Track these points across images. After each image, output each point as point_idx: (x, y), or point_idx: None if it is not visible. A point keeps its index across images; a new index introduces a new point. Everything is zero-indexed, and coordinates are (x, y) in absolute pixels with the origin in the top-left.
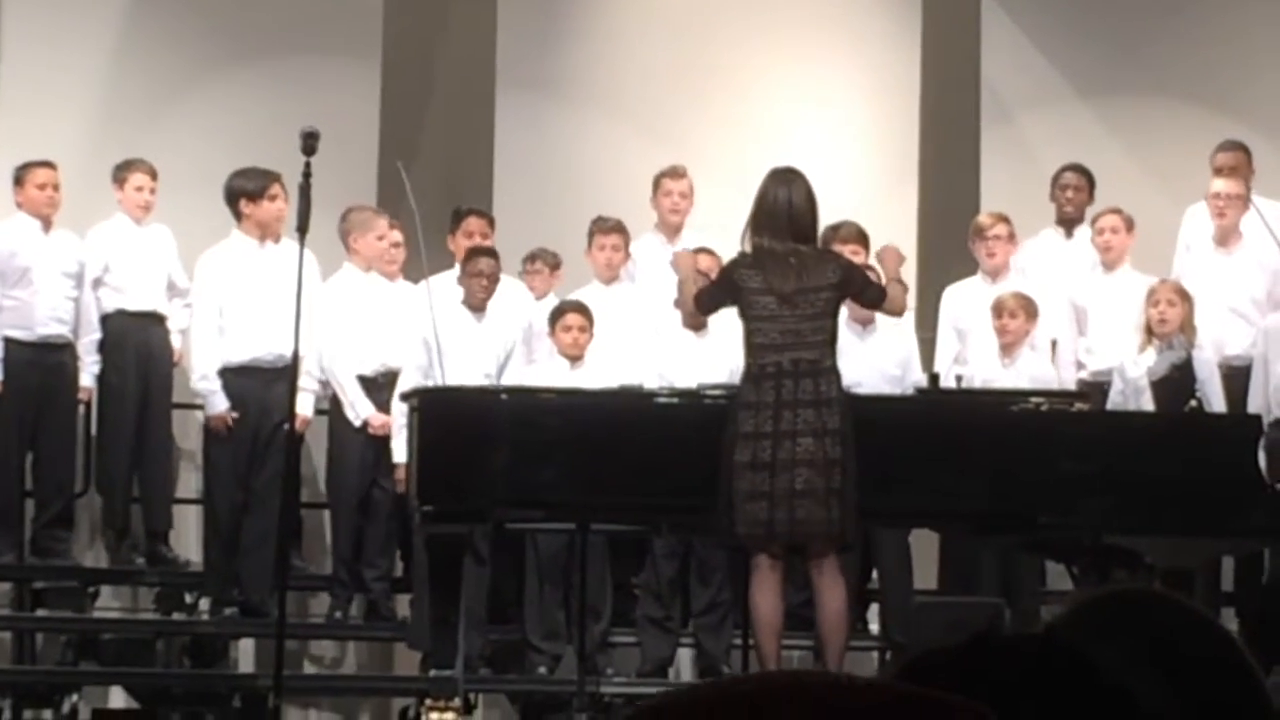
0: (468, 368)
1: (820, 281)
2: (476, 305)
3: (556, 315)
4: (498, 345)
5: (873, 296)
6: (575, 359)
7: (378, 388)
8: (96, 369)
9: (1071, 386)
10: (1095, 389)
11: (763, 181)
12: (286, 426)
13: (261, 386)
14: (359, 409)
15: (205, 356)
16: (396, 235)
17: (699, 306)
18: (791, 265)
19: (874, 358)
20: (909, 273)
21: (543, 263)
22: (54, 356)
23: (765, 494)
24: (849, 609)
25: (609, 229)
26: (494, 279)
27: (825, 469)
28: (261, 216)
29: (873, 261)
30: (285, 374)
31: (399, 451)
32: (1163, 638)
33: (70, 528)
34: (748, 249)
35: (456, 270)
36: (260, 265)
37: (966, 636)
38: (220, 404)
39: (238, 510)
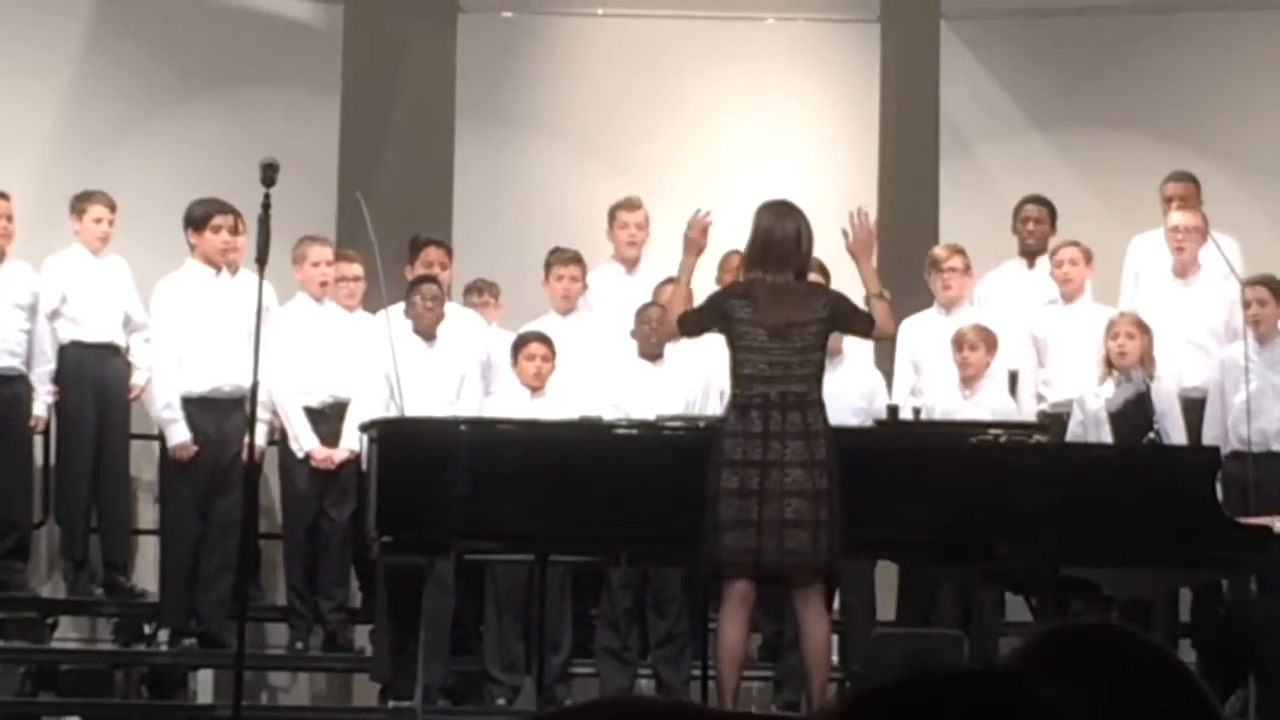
0: (424, 396)
1: (810, 315)
2: (427, 332)
3: (519, 345)
4: (452, 372)
5: (863, 327)
6: (537, 389)
7: (325, 419)
8: (50, 399)
9: (1031, 418)
10: (1055, 420)
11: (762, 213)
12: (245, 457)
13: (220, 417)
14: (303, 441)
15: (168, 386)
16: (355, 269)
17: (682, 327)
18: (786, 299)
19: (840, 389)
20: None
21: (489, 294)
22: (7, 389)
23: (753, 522)
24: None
25: (567, 260)
26: (439, 303)
27: (814, 500)
28: (205, 247)
29: (846, 228)
30: (243, 405)
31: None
32: (1120, 672)
33: (27, 559)
34: (741, 279)
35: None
36: (218, 296)
37: (904, 671)
38: (181, 434)
39: (196, 541)
